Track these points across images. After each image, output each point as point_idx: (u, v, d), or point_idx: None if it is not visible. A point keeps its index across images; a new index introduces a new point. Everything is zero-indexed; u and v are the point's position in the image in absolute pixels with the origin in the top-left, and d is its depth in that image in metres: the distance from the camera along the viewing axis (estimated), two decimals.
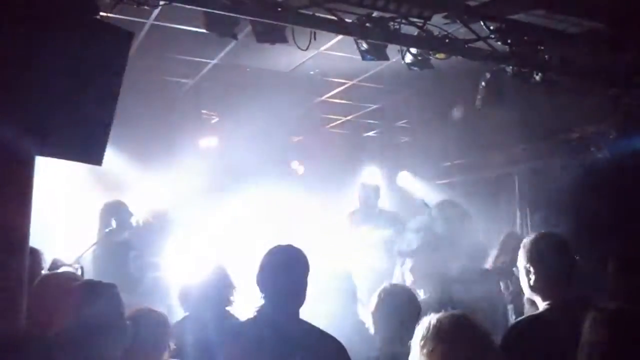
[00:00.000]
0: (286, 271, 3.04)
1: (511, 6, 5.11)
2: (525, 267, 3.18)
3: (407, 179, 11.07)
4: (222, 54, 6.37)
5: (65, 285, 2.85)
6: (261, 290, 3.06)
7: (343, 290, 4.04)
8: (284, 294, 3.01)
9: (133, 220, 5.95)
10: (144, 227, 6.10)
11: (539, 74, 5.85)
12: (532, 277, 3.14)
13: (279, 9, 4.63)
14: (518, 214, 9.57)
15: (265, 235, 6.92)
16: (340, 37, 5.51)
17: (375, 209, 7.00)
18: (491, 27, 5.29)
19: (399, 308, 3.40)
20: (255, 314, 3.06)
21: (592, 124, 7.96)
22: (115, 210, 5.68)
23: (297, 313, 3.08)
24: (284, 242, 3.26)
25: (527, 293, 3.27)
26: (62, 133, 3.41)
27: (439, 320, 2.38)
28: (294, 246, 3.17)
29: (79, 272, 3.77)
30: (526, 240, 3.28)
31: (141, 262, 5.58)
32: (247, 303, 3.43)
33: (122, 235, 5.64)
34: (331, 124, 9.65)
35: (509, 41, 5.39)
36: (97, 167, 3.53)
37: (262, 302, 3.04)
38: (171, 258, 5.87)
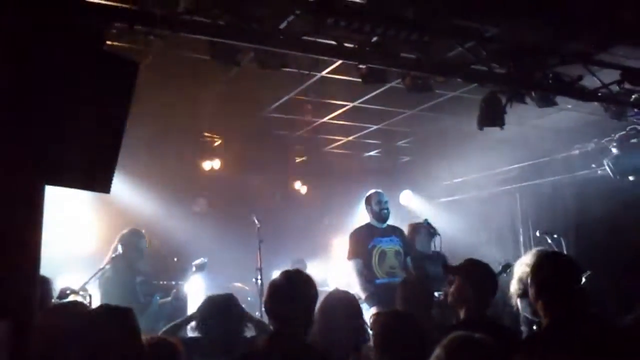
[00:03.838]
0: (294, 297, 3.07)
1: (508, 29, 5.22)
2: (533, 282, 3.25)
3: (409, 198, 11.15)
4: (225, 80, 6.45)
5: (73, 316, 2.90)
6: (270, 316, 3.10)
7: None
8: (293, 320, 3.04)
9: (145, 247, 6.02)
10: (151, 252, 6.18)
11: (537, 93, 5.92)
12: (534, 290, 3.21)
13: (282, 37, 4.72)
14: (521, 231, 9.62)
15: (271, 257, 7.05)
16: (341, 61, 5.60)
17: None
18: (489, 50, 5.39)
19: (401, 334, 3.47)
20: (266, 340, 3.09)
21: (592, 140, 8.04)
22: (125, 238, 5.76)
23: (304, 337, 3.11)
24: (291, 267, 3.33)
25: (532, 303, 3.33)
26: (70, 162, 3.46)
27: (449, 339, 2.50)
28: (302, 271, 3.21)
29: (87, 300, 3.83)
30: (533, 258, 3.38)
31: (147, 287, 5.64)
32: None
33: (132, 261, 5.70)
34: (333, 145, 9.73)
35: (508, 63, 5.48)
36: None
37: (272, 327, 3.08)
38: (178, 282, 5.95)
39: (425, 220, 6.91)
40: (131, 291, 5.50)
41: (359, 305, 4.22)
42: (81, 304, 3.46)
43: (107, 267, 5.54)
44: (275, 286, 3.15)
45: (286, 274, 3.19)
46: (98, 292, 5.43)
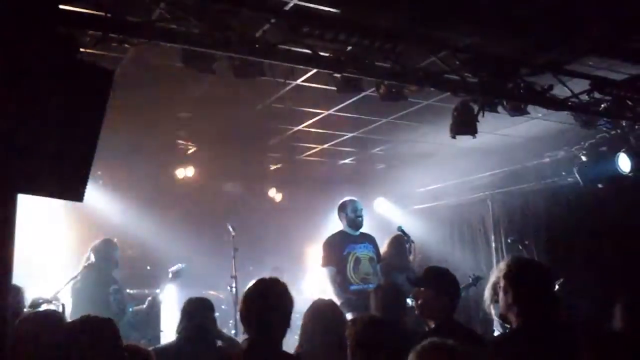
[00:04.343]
0: (269, 305, 3.08)
1: (480, 38, 5.30)
2: (503, 287, 3.28)
3: (383, 205, 11.21)
4: (199, 87, 6.43)
5: (51, 324, 2.88)
6: (245, 324, 3.10)
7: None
8: (269, 327, 3.05)
9: (118, 257, 5.97)
10: (124, 260, 6.14)
11: (508, 102, 6.02)
12: (510, 296, 3.24)
13: (257, 45, 4.73)
14: (493, 237, 9.73)
15: (244, 264, 7.04)
16: (316, 69, 5.62)
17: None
18: (462, 60, 5.47)
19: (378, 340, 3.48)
20: (244, 347, 3.09)
21: (563, 149, 8.18)
22: (97, 248, 5.72)
23: (280, 345, 3.13)
24: (266, 275, 3.33)
25: (503, 310, 3.36)
26: (44, 171, 3.44)
27: (421, 346, 2.51)
28: (277, 279, 3.22)
29: (61, 309, 3.79)
30: (506, 262, 3.42)
31: (121, 296, 5.60)
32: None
33: (104, 271, 5.65)
34: (308, 153, 9.75)
35: (479, 72, 5.57)
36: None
37: (247, 335, 3.08)
38: (153, 291, 5.90)
39: (399, 227, 6.97)
40: (103, 301, 5.46)
41: (342, 316, 4.25)
42: (57, 313, 3.43)
43: (79, 277, 5.49)
44: (250, 294, 3.16)
45: (261, 282, 3.20)
46: (70, 301, 5.38)
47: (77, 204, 3.72)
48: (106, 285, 5.60)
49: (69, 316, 4.36)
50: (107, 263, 5.75)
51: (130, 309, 5.71)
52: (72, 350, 2.68)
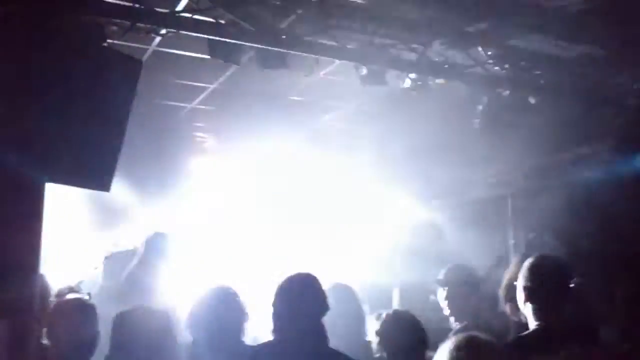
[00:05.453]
0: (306, 300, 3.06)
1: (508, 32, 5.23)
2: (522, 287, 3.23)
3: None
4: (222, 79, 6.41)
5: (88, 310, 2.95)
6: (278, 318, 3.05)
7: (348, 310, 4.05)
8: (306, 322, 3.03)
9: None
10: None
11: (535, 97, 5.95)
12: (528, 296, 3.19)
13: (283, 36, 4.70)
14: (512, 235, 9.62)
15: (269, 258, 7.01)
16: (340, 61, 5.58)
17: None
18: (488, 53, 5.41)
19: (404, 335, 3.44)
20: (275, 337, 3.05)
21: (586, 144, 8.06)
22: (148, 240, 5.67)
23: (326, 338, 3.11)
24: (294, 269, 3.29)
25: (520, 309, 3.32)
26: (72, 160, 3.44)
27: (458, 340, 2.44)
28: (310, 274, 3.18)
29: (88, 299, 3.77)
30: (525, 261, 3.37)
31: None
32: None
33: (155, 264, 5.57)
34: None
35: (505, 66, 5.50)
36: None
37: (281, 327, 3.03)
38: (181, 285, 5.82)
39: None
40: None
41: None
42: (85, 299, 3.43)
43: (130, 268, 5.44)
44: (283, 287, 3.12)
45: (294, 276, 3.17)
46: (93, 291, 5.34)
47: (96, 194, 3.72)
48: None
49: None
50: (159, 257, 5.64)
51: None
52: (123, 336, 2.71)
